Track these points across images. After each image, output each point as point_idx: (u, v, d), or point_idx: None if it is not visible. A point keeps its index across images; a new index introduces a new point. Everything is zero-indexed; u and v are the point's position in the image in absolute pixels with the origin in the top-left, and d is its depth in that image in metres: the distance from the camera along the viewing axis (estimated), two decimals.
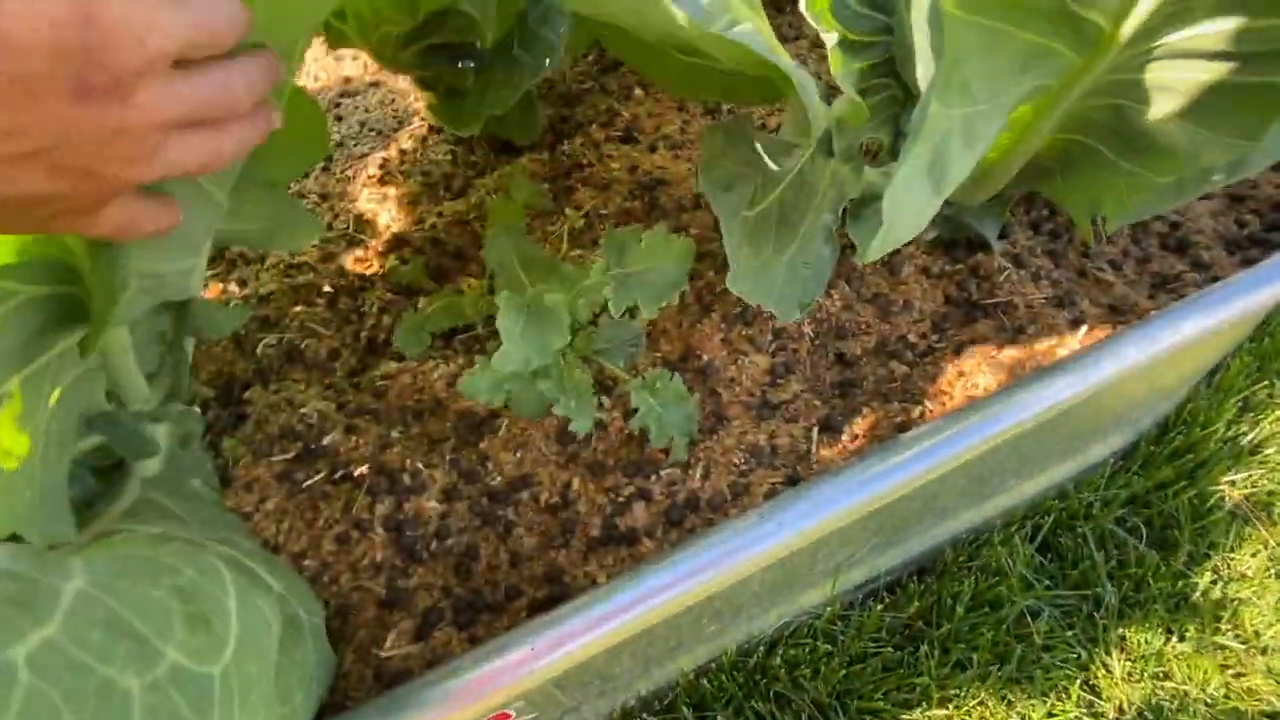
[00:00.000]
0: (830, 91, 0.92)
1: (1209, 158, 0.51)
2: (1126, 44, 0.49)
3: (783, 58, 0.43)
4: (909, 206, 0.47)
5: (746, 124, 0.53)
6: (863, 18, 0.63)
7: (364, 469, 0.68)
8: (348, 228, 0.94)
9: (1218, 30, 0.47)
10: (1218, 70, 0.49)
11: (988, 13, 0.46)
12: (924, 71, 0.43)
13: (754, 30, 0.50)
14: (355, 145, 1.06)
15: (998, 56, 0.48)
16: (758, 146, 0.52)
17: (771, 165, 0.52)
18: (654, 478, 0.64)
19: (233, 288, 0.88)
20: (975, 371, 0.66)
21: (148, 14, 0.30)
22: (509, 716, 0.53)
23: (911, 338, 0.71)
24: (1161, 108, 0.53)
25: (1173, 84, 0.51)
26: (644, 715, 0.78)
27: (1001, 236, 0.75)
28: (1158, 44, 0.50)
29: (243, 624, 0.35)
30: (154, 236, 0.39)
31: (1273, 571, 0.84)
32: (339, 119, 1.11)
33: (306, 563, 0.63)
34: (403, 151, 1.03)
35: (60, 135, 0.30)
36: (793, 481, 0.62)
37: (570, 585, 0.60)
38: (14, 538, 0.40)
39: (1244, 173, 0.52)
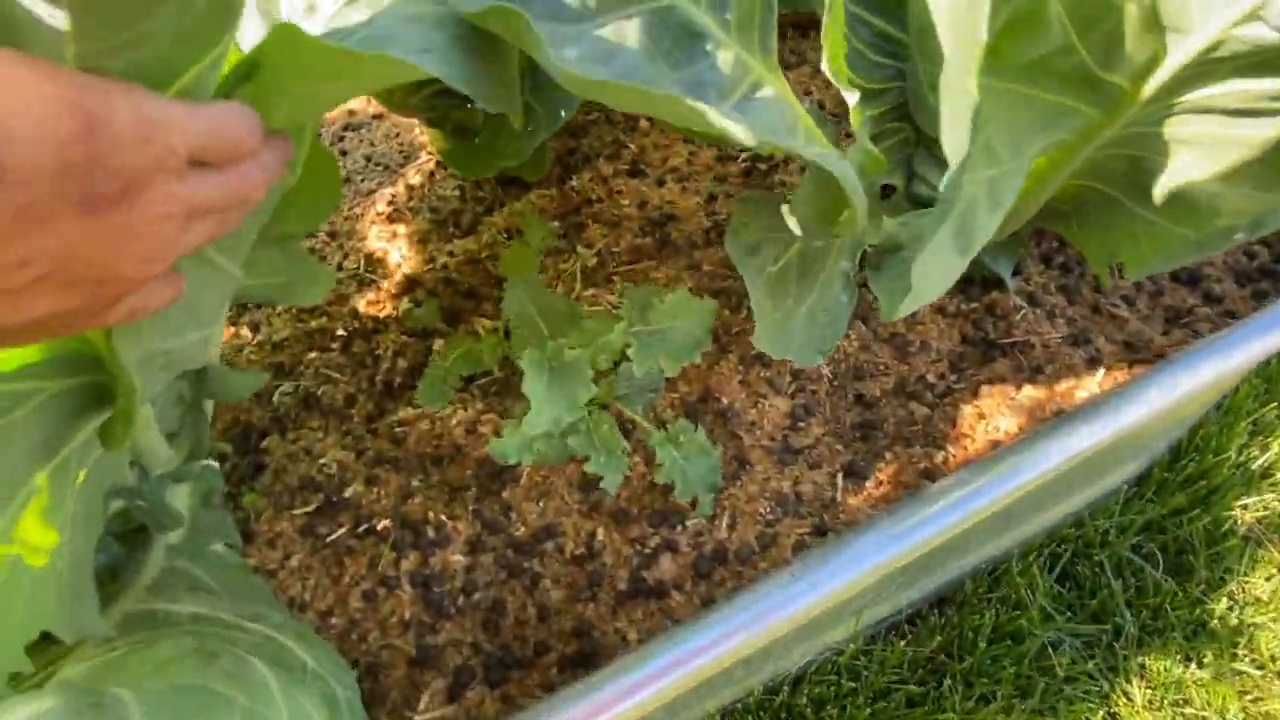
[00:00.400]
0: (832, 115, 0.93)
1: (1229, 211, 0.51)
2: (1147, 101, 0.50)
3: (815, 147, 0.43)
4: (936, 271, 0.47)
5: (774, 199, 0.53)
6: (876, 66, 0.64)
7: (387, 521, 0.68)
8: (358, 268, 0.93)
9: (1241, 90, 0.47)
10: (1239, 126, 0.49)
11: (1012, 78, 0.47)
12: (950, 142, 0.43)
13: (776, 96, 0.50)
14: (362, 181, 1.06)
15: (1020, 118, 0.49)
16: (785, 214, 0.52)
17: (797, 232, 0.52)
18: (680, 528, 0.64)
19: (245, 332, 0.88)
20: (995, 413, 0.67)
21: (162, 113, 0.28)
22: None
23: (930, 378, 0.71)
24: (1180, 160, 0.53)
25: (1192, 138, 0.52)
26: None
27: (1015, 273, 0.75)
28: (1178, 101, 0.50)
29: None
30: (162, 309, 0.38)
31: None
32: (344, 153, 1.10)
33: (334, 620, 0.63)
34: (410, 187, 1.03)
35: (69, 253, 0.27)
36: (820, 532, 0.62)
37: (600, 641, 0.60)
38: (46, 634, 0.40)
39: (1266, 229, 0.52)
